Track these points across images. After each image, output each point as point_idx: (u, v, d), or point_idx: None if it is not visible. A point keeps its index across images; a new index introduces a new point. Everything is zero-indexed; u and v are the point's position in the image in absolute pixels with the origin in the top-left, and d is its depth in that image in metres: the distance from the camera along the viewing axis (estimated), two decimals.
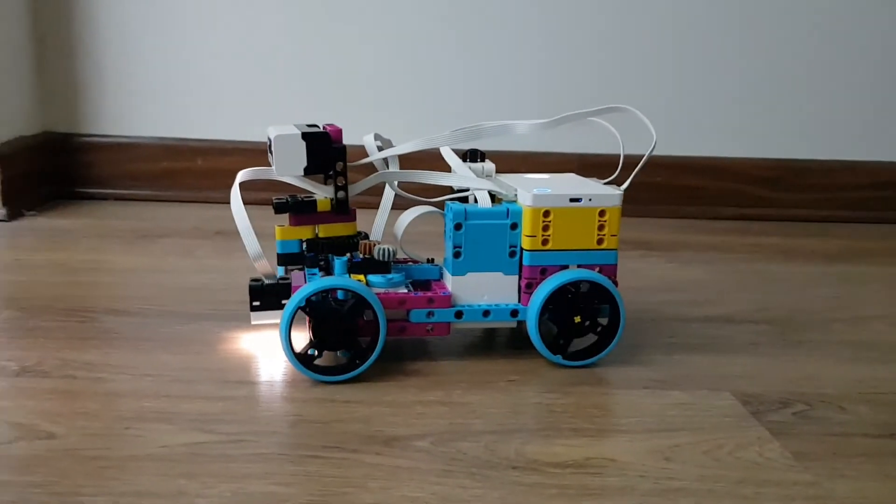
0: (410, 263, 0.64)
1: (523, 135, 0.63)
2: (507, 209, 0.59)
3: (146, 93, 1.18)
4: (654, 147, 0.60)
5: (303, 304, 0.55)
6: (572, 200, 0.58)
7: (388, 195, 0.66)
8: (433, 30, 1.16)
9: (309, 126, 0.59)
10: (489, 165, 0.63)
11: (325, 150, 0.58)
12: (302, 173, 0.58)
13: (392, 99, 1.18)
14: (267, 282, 0.59)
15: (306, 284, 0.56)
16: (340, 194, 0.60)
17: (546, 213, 0.58)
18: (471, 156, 0.64)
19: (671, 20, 1.16)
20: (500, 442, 0.48)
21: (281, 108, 1.18)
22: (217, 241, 0.96)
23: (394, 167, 0.64)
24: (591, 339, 0.61)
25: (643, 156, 0.60)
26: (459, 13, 1.16)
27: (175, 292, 0.75)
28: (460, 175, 0.62)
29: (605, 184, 0.63)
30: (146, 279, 0.80)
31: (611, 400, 0.55)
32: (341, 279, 0.56)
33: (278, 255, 0.61)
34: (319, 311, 0.55)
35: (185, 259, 0.87)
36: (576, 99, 1.17)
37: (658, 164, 1.19)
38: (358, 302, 0.55)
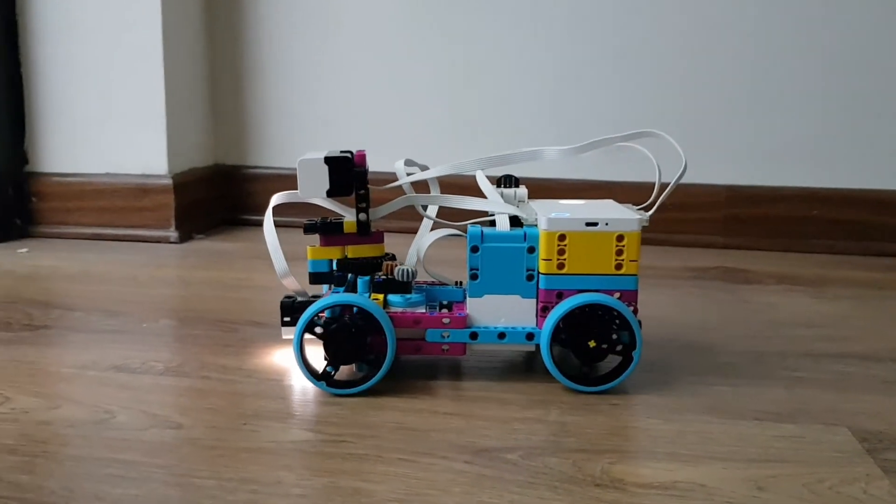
0: (437, 285, 0.65)
1: (553, 160, 0.63)
2: (525, 233, 0.59)
3: (306, 128, 1.27)
4: (683, 172, 0.60)
5: (309, 320, 0.57)
6: (588, 225, 0.58)
7: (427, 218, 0.67)
8: (592, 60, 1.18)
9: (342, 152, 0.61)
10: (521, 191, 0.64)
11: (346, 173, 0.60)
12: (324, 195, 0.60)
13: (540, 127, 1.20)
14: (299, 299, 0.62)
15: (314, 303, 0.58)
16: (362, 216, 0.62)
17: (562, 237, 0.58)
18: (505, 181, 0.64)
19: (829, 52, 1.11)
20: (588, 460, 0.49)
21: (434, 140, 1.24)
22: None
23: (435, 191, 0.66)
24: (611, 364, 0.60)
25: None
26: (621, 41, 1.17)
27: None
28: (483, 199, 0.62)
29: (639, 209, 0.62)
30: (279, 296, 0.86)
31: (715, 428, 0.54)
32: (346, 296, 0.58)
33: (309, 273, 0.63)
34: (329, 327, 0.57)
35: None
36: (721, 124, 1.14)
37: (813, 198, 1.14)
38: (365, 318, 0.57)
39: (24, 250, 1.09)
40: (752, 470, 0.48)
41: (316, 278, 0.63)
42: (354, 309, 0.58)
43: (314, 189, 0.60)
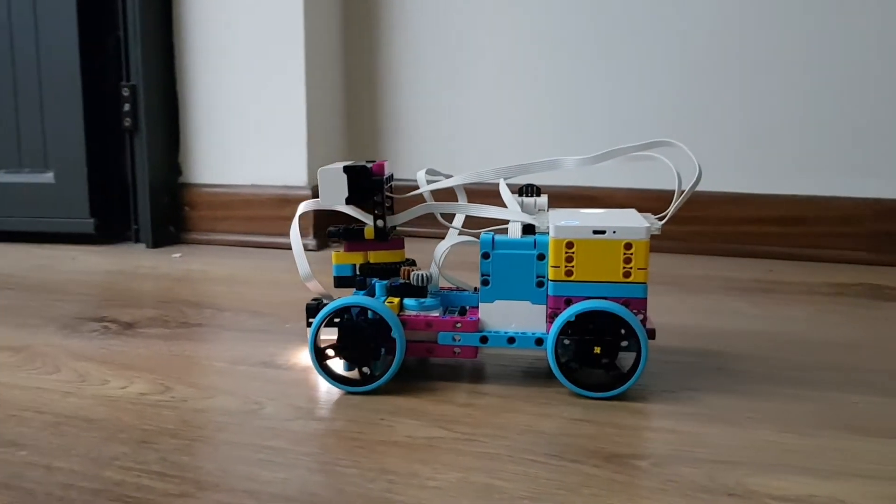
0: (456, 290, 0.67)
1: (571, 169, 0.64)
2: (535, 240, 0.60)
3: (437, 140, 1.31)
4: (697, 181, 0.61)
5: (323, 320, 0.60)
6: (596, 232, 0.58)
7: (456, 223, 0.68)
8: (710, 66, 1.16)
9: (368, 162, 0.64)
10: (542, 199, 0.65)
11: (364, 181, 0.62)
12: (344, 203, 0.63)
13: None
14: (325, 301, 0.64)
15: (328, 304, 0.60)
16: (379, 223, 0.64)
17: (569, 245, 0.58)
18: (526, 190, 0.65)
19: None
20: (722, 471, 0.48)
21: (555, 152, 1.24)
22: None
23: (462, 200, 0.68)
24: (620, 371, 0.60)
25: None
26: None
27: None
28: (498, 208, 0.63)
29: (658, 219, 0.62)
30: None
31: (855, 445, 0.52)
32: (358, 298, 0.60)
33: (334, 277, 0.66)
34: (344, 328, 0.60)
35: None
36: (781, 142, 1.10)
37: None
38: (377, 320, 0.59)
39: (178, 255, 1.18)
40: (895, 488, 0.46)
41: (340, 282, 0.66)
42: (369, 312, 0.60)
43: (334, 197, 0.62)
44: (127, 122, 1.23)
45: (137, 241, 1.27)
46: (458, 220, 0.68)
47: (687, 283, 0.99)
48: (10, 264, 1.12)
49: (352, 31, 1.33)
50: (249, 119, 1.24)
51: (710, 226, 1.18)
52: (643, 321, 0.59)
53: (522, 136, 1.27)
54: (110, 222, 1.27)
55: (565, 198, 1.15)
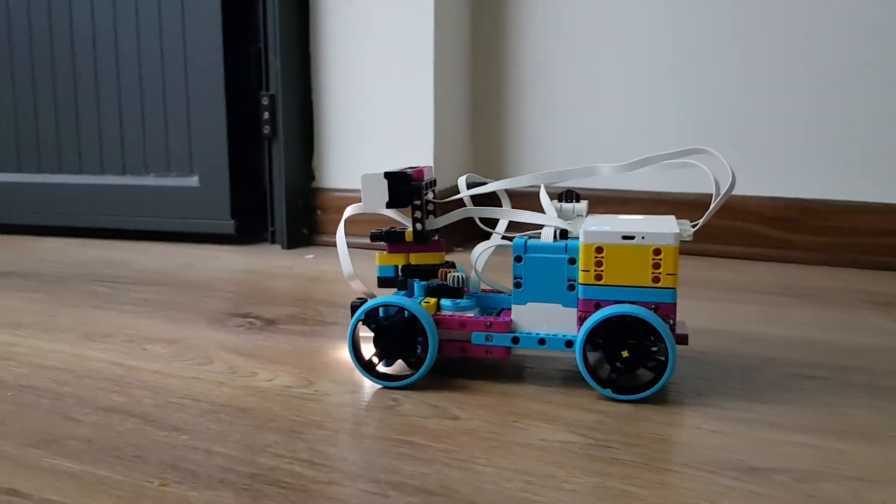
0: (494, 293, 0.69)
1: (607, 176, 0.64)
2: (566, 245, 0.61)
3: (561, 149, 1.31)
4: (730, 188, 0.62)
5: (361, 318, 0.63)
6: (625, 238, 0.59)
7: (499, 229, 0.71)
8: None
9: (411, 168, 0.66)
10: (580, 205, 0.68)
11: (403, 187, 0.64)
12: (384, 207, 0.65)
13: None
14: (368, 300, 0.65)
15: (366, 302, 0.64)
16: (417, 226, 0.66)
17: (599, 250, 0.60)
18: (566, 196, 0.68)
19: None
20: (868, 489, 0.47)
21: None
22: None
23: (506, 205, 0.71)
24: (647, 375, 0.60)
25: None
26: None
27: None
28: (533, 213, 0.65)
29: (692, 225, 0.63)
30: None
31: None
32: (393, 297, 0.63)
33: (377, 277, 0.69)
34: (379, 325, 0.63)
35: None
36: None
37: None
38: (410, 317, 0.62)
39: (310, 256, 1.23)
40: None
41: (383, 282, 0.69)
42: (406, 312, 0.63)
43: (376, 201, 0.65)
44: (266, 129, 1.30)
45: (273, 242, 1.33)
46: (502, 226, 0.71)
47: (822, 296, 0.96)
48: (158, 262, 1.20)
49: (479, 42, 1.36)
50: (379, 127, 1.28)
51: (847, 237, 1.14)
52: (672, 327, 0.59)
53: (650, 145, 1.25)
54: (249, 224, 1.34)
55: (665, 203, 1.13)
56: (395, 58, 1.25)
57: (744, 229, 1.20)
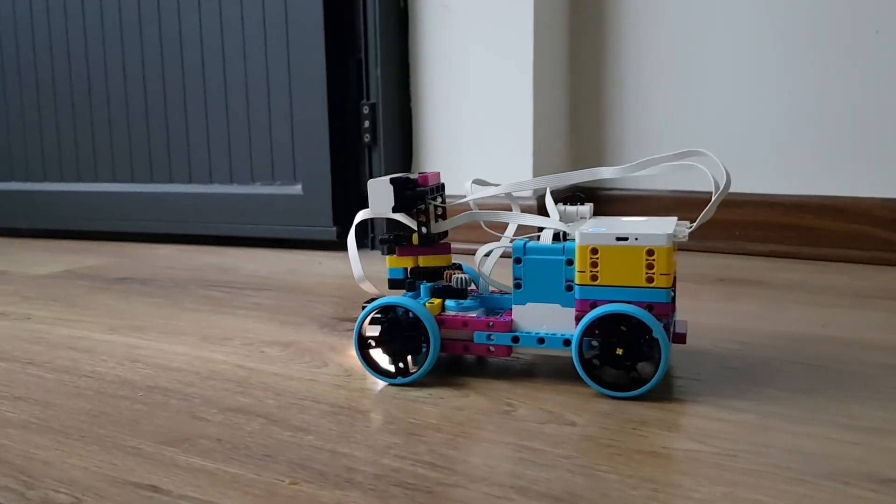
0: (499, 294, 0.71)
1: (610, 178, 0.66)
2: (564, 246, 0.63)
3: (663, 147, 1.29)
4: (724, 189, 0.63)
5: (367, 316, 0.66)
6: (619, 239, 0.61)
7: (509, 232, 0.73)
8: None
9: (421, 174, 0.69)
10: (584, 208, 0.69)
11: (409, 192, 0.67)
12: (391, 212, 0.67)
13: None
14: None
15: (372, 303, 0.67)
16: (423, 229, 0.68)
17: (594, 251, 0.61)
18: (572, 199, 0.70)
19: None
20: None
21: (797, 160, 1.19)
22: (720, 287, 1.00)
23: (515, 209, 0.73)
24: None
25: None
26: None
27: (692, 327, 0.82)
28: (533, 216, 0.67)
29: (690, 226, 0.64)
30: None
31: None
32: (396, 298, 0.65)
33: (388, 279, 0.71)
34: (384, 324, 0.66)
35: (690, 301, 0.94)
36: None
37: None
38: (414, 318, 0.65)
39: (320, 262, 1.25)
40: None
41: (393, 284, 0.71)
42: (410, 313, 0.65)
43: (383, 206, 0.67)
44: (366, 137, 1.33)
45: (373, 248, 1.35)
46: (511, 229, 0.73)
47: None
48: (266, 267, 1.23)
49: (577, 40, 1.35)
50: (477, 133, 1.29)
51: None
52: (667, 326, 0.61)
53: (754, 142, 1.22)
54: (350, 231, 1.37)
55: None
56: (494, 62, 1.26)
57: (858, 232, 1.16)
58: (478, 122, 1.28)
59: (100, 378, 0.70)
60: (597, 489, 0.48)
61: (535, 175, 1.25)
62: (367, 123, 1.32)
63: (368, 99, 1.32)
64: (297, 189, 1.38)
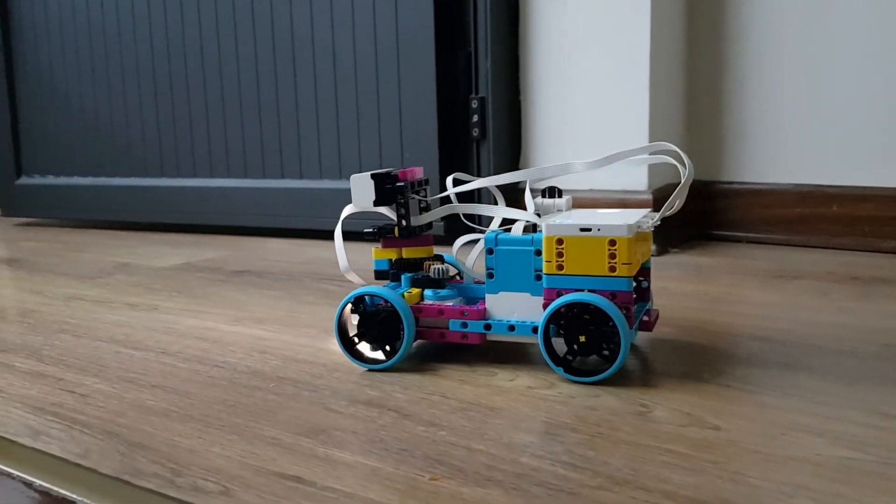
0: (480, 283, 0.74)
1: (579, 172, 0.69)
2: (533, 238, 0.66)
3: (783, 141, 1.23)
4: (687, 181, 0.65)
5: (346, 305, 0.70)
6: (583, 230, 0.63)
7: (493, 226, 0.74)
8: None
9: (401, 170, 0.72)
10: (560, 201, 0.71)
11: (388, 186, 0.70)
12: (372, 206, 0.70)
13: None
14: None
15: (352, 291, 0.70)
16: (403, 222, 0.72)
17: (559, 241, 0.64)
18: (549, 192, 0.72)
19: None
20: None
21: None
22: (853, 285, 0.95)
23: (501, 203, 0.76)
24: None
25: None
26: None
27: (813, 327, 0.78)
28: (509, 208, 0.71)
29: (657, 217, 0.67)
30: (784, 313, 0.85)
31: None
32: (374, 287, 0.69)
33: (374, 270, 0.75)
34: (362, 311, 0.70)
35: (819, 299, 0.90)
36: None
37: None
38: (389, 308, 0.68)
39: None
40: None
41: (378, 274, 0.75)
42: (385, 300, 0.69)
43: (364, 200, 0.71)
44: (475, 132, 1.32)
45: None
46: (496, 223, 0.75)
47: None
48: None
49: (695, 33, 1.31)
50: (587, 128, 1.26)
51: None
52: (628, 315, 0.63)
53: (885, 137, 1.15)
54: (458, 224, 1.36)
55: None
56: (608, 57, 1.23)
57: None
58: (590, 118, 1.26)
59: (231, 368, 0.72)
60: (751, 497, 0.45)
61: (651, 175, 1.21)
62: (475, 118, 1.32)
63: (477, 93, 1.32)
64: None
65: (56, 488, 0.49)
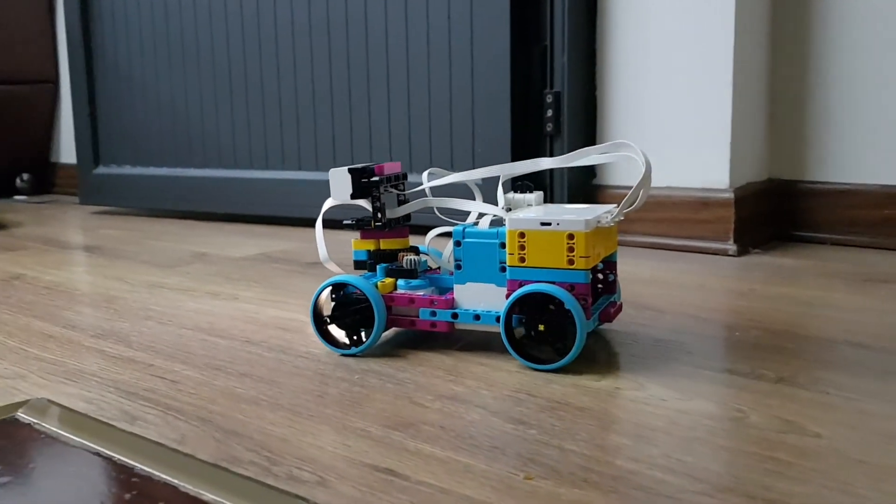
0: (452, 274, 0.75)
1: (548, 168, 0.72)
2: (497, 231, 0.69)
3: (868, 140, 1.19)
4: (643, 178, 0.66)
5: (320, 293, 0.73)
6: (543, 224, 0.66)
7: (471, 219, 0.77)
8: None
9: (377, 165, 0.74)
10: (530, 196, 0.74)
11: (364, 180, 0.73)
12: (349, 199, 0.73)
13: None
14: None
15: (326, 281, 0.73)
16: (379, 215, 0.74)
17: (521, 235, 0.67)
18: (521, 188, 0.74)
19: None
20: None
21: None
22: None
23: (478, 197, 0.79)
24: None
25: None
26: None
27: None
28: (478, 202, 0.75)
29: (620, 212, 0.68)
30: (877, 318, 0.82)
31: None
32: (347, 276, 0.72)
33: (353, 260, 0.77)
34: (337, 299, 0.73)
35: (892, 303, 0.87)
36: None
37: None
38: (361, 295, 0.71)
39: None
40: None
41: (357, 265, 0.77)
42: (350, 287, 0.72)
43: (342, 194, 0.73)
44: (549, 127, 1.31)
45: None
46: (473, 216, 0.77)
47: None
48: None
49: (778, 28, 1.27)
50: (665, 125, 1.24)
51: None
52: (585, 305, 0.65)
53: None
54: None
55: None
56: (690, 52, 1.20)
57: None
58: (668, 115, 1.23)
59: (315, 359, 0.73)
60: None
61: (732, 173, 1.18)
62: (549, 112, 1.31)
63: (552, 87, 1.30)
64: None
65: (158, 473, 0.49)
